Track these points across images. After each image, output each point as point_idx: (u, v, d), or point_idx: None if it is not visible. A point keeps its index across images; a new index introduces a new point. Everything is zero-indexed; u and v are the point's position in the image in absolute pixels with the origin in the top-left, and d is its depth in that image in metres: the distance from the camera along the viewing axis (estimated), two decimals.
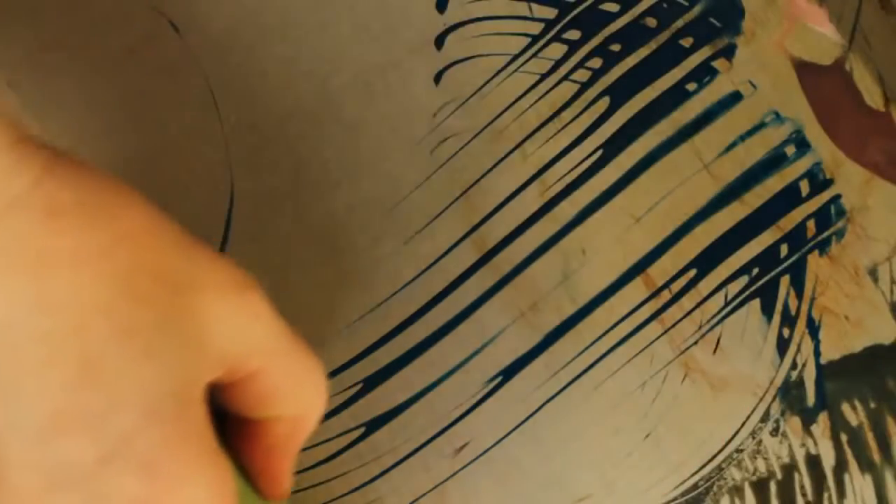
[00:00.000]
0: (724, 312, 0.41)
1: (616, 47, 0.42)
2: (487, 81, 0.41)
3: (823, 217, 0.42)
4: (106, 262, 0.22)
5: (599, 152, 0.41)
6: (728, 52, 0.42)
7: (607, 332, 0.40)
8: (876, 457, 0.40)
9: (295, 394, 0.26)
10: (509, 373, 0.40)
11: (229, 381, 0.25)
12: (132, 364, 0.22)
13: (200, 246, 0.25)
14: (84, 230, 0.22)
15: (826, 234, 0.41)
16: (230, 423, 0.27)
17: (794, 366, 0.41)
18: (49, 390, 0.22)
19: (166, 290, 0.23)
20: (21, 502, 0.22)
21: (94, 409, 0.22)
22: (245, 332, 0.25)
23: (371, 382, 0.40)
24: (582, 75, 0.42)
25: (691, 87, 0.42)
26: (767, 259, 0.41)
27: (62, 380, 0.22)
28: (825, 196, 0.42)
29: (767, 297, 0.41)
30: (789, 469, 0.40)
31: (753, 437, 0.40)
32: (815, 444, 0.40)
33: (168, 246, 0.24)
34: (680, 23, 0.42)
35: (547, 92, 0.41)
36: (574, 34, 0.42)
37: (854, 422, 0.40)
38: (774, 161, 0.42)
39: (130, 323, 0.22)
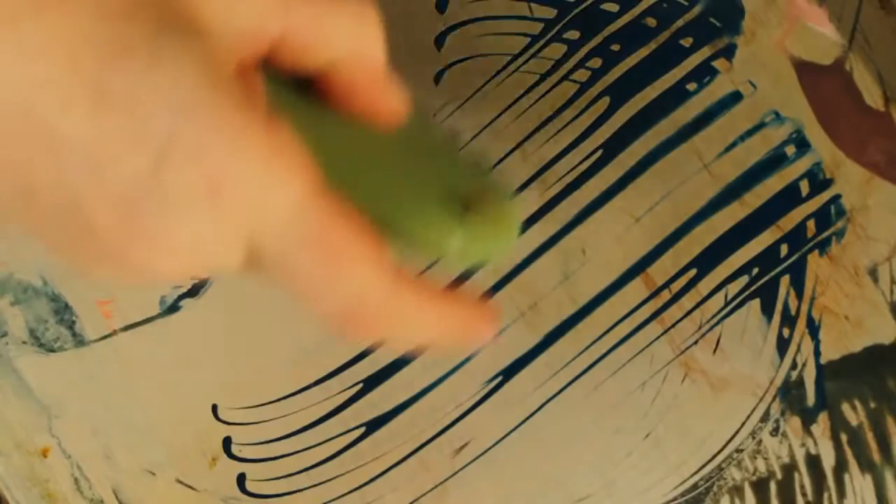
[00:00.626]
0: (724, 312, 0.41)
1: (616, 47, 0.42)
2: (487, 81, 0.41)
3: (823, 217, 0.42)
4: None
5: (599, 152, 0.41)
6: (728, 52, 0.42)
7: (607, 332, 0.40)
8: (876, 457, 0.40)
9: (332, 34, 0.26)
10: (509, 373, 0.40)
11: (268, 50, 0.25)
12: (141, 78, 0.22)
13: None
14: None
15: (826, 234, 0.41)
16: (313, 95, 0.27)
17: (794, 366, 0.41)
18: (79, 131, 0.22)
19: (145, 1, 0.23)
20: (105, 230, 0.23)
21: (126, 128, 0.22)
22: (244, 3, 0.25)
23: (371, 382, 0.40)
24: (582, 75, 0.42)
25: (691, 87, 0.42)
26: (767, 259, 0.41)
27: (84, 116, 0.22)
28: (825, 196, 0.42)
29: (767, 297, 0.41)
30: (789, 469, 0.40)
31: (753, 437, 0.40)
32: (815, 444, 0.40)
33: None
34: (680, 23, 0.42)
35: (547, 92, 0.41)
36: (574, 34, 0.42)
37: (854, 422, 0.40)
38: (774, 161, 0.42)
39: (122, 42, 0.22)
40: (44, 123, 0.22)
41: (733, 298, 0.41)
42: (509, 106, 0.41)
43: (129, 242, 0.23)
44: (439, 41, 0.41)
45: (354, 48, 0.27)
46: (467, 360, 0.40)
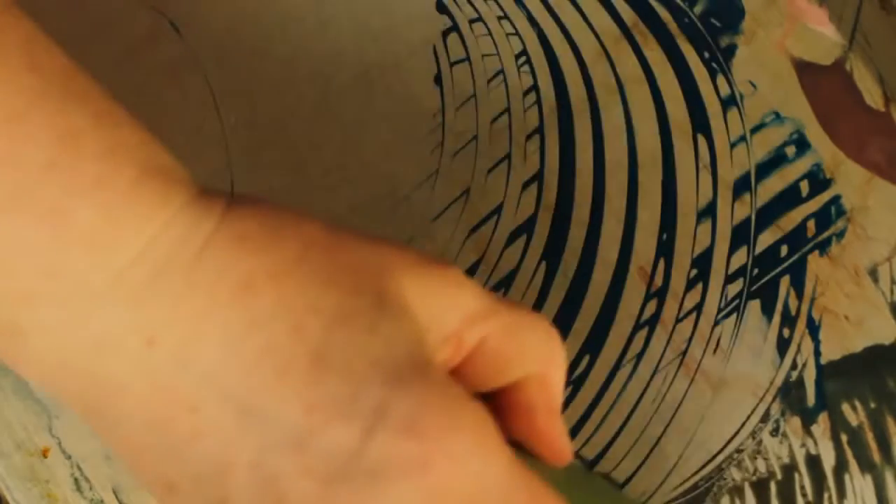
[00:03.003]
0: (723, 312, 0.41)
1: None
2: (488, 81, 0.41)
3: (823, 217, 0.42)
4: (302, 268, 0.23)
5: (600, 152, 0.41)
6: (728, 52, 0.42)
7: (607, 332, 0.40)
8: (876, 457, 0.40)
9: (525, 351, 0.27)
10: None
11: (463, 361, 0.26)
12: (359, 343, 0.23)
13: (382, 240, 0.26)
14: (273, 247, 0.23)
15: (826, 234, 0.41)
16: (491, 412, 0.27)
17: (794, 366, 0.41)
18: (292, 396, 0.22)
19: (366, 277, 0.24)
20: None
21: (339, 394, 0.22)
22: (452, 303, 0.25)
23: None
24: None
25: (691, 87, 0.42)
26: (767, 259, 0.41)
27: (300, 381, 0.22)
28: (825, 196, 0.42)
29: (767, 297, 0.41)
30: (789, 469, 0.40)
31: (753, 438, 0.40)
32: (816, 444, 0.40)
33: (352, 243, 0.25)
34: (680, 23, 0.42)
35: (547, 91, 0.41)
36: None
37: (854, 422, 0.40)
38: (774, 161, 0.42)
39: (343, 310, 0.23)
40: (258, 398, 0.22)
41: (733, 298, 0.41)
42: (509, 106, 0.41)
43: None
44: (439, 41, 0.41)
45: (543, 369, 0.27)
46: None
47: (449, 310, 0.25)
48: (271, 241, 0.24)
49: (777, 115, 0.42)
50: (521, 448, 0.28)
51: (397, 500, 0.22)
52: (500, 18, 0.42)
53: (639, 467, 0.40)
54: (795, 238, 0.41)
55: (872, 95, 0.42)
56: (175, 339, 0.23)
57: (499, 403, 0.27)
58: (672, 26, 0.42)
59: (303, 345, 0.22)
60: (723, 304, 0.41)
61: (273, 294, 0.23)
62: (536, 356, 0.27)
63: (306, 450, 0.22)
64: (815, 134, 0.42)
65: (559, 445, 0.28)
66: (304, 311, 0.23)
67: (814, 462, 0.40)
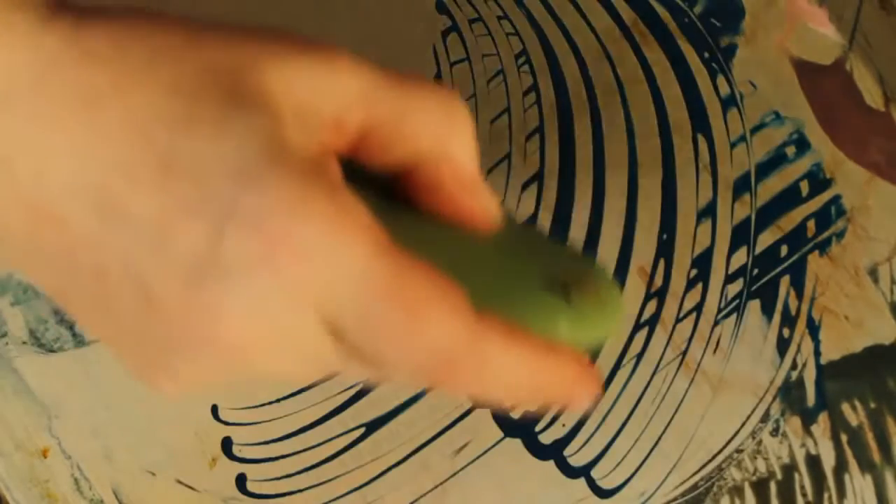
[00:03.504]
0: (723, 312, 0.41)
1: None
2: (487, 82, 0.41)
3: (823, 217, 0.42)
4: (149, 76, 0.23)
5: (600, 152, 0.41)
6: (728, 52, 0.42)
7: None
8: (876, 457, 0.40)
9: (417, 130, 0.26)
10: None
11: (352, 143, 0.26)
12: (206, 145, 0.23)
13: (252, 32, 0.25)
14: (119, 59, 0.24)
15: (826, 234, 0.41)
16: (399, 194, 0.27)
17: (794, 366, 0.41)
18: (146, 201, 0.23)
19: (218, 76, 0.24)
20: (170, 305, 0.23)
21: (189, 196, 0.23)
22: (329, 88, 0.25)
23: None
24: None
25: (691, 87, 0.42)
26: (767, 259, 0.41)
27: (151, 187, 0.23)
28: (825, 196, 0.42)
29: (767, 297, 0.41)
30: (789, 469, 0.40)
31: (753, 438, 0.40)
32: (816, 444, 0.40)
33: (210, 44, 0.25)
34: (680, 23, 0.42)
35: (547, 91, 0.41)
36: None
37: (854, 422, 0.40)
38: (774, 161, 0.42)
39: (190, 115, 0.23)
40: (116, 202, 0.23)
41: (733, 298, 0.41)
42: (509, 106, 0.41)
43: (192, 315, 0.23)
44: (439, 41, 0.41)
45: (440, 146, 0.27)
46: None
47: (324, 95, 0.25)
48: (117, 53, 0.24)
49: (777, 115, 0.42)
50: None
51: (251, 298, 0.23)
52: (499, 18, 0.42)
53: (639, 467, 0.40)
54: (795, 238, 0.41)
55: (872, 95, 0.42)
56: (29, 156, 0.23)
57: (411, 186, 0.27)
58: (672, 26, 0.42)
59: (151, 154, 0.23)
60: (723, 304, 0.41)
61: (119, 106, 0.23)
62: (430, 134, 0.26)
63: (165, 251, 0.23)
64: (815, 134, 0.42)
65: (474, 215, 0.27)
66: (149, 121, 0.23)
67: (814, 462, 0.40)
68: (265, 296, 0.23)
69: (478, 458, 0.40)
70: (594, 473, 0.40)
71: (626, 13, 0.42)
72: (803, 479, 0.40)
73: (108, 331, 0.26)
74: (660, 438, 0.40)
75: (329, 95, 0.25)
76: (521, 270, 0.27)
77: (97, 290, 0.24)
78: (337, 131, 0.25)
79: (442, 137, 0.26)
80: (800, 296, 0.41)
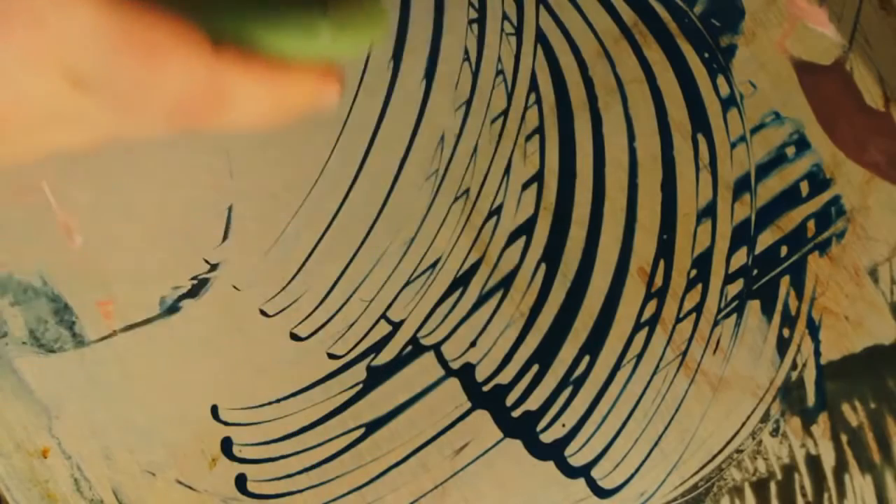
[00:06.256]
0: (724, 312, 0.41)
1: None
2: (488, 82, 0.41)
3: (823, 217, 0.42)
4: None
5: (600, 152, 0.41)
6: (728, 52, 0.42)
7: (608, 333, 0.40)
8: (876, 457, 0.40)
9: None
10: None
11: None
12: None
13: None
14: None
15: (826, 234, 0.41)
16: None
17: (794, 366, 0.41)
18: None
19: None
20: None
21: None
22: None
23: (371, 383, 0.40)
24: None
25: (691, 87, 0.42)
26: (767, 259, 0.41)
27: None
28: (825, 196, 0.42)
29: (767, 297, 0.41)
30: (789, 469, 0.40)
31: (753, 438, 0.40)
32: (816, 444, 0.40)
33: None
34: (680, 23, 0.42)
35: (547, 91, 0.41)
36: None
37: (854, 422, 0.40)
38: (774, 161, 0.42)
39: None
40: None
41: (733, 299, 0.41)
42: (509, 106, 0.41)
43: None
44: (439, 42, 0.41)
45: None
46: (467, 360, 0.40)
47: None
48: None
49: (777, 115, 0.42)
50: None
51: None
52: (499, 18, 0.42)
53: (639, 467, 0.40)
54: (795, 238, 0.41)
55: (872, 95, 0.42)
56: None
57: None
58: (672, 26, 0.42)
59: None
60: (723, 304, 0.41)
61: None
62: None
63: None
64: (815, 134, 0.42)
65: None
66: None
67: (814, 462, 0.40)
68: (6, 66, 0.24)
69: (478, 458, 0.40)
70: (594, 473, 0.40)
71: (626, 13, 0.42)
72: (803, 479, 0.40)
73: None
74: (660, 438, 0.40)
75: None
76: None
77: None
78: None
79: None
80: (800, 296, 0.41)
